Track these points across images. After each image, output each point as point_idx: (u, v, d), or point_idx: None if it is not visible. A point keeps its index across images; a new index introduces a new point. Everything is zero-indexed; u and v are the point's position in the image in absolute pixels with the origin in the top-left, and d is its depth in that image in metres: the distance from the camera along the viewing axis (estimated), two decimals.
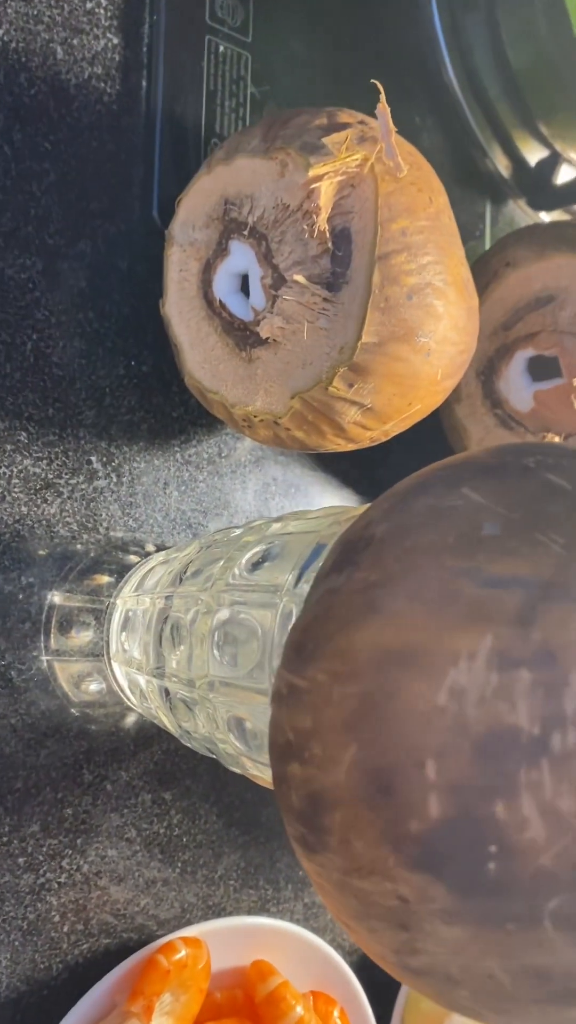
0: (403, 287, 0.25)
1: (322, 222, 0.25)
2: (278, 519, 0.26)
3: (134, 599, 0.29)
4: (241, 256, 0.26)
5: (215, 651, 0.23)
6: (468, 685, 0.14)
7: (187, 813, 0.31)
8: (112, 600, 0.30)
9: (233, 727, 0.23)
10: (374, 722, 0.15)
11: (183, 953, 0.28)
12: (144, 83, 0.32)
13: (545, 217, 0.42)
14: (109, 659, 0.29)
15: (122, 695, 0.30)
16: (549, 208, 0.42)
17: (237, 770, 0.25)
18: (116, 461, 0.30)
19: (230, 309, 0.27)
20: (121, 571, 0.30)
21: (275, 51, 0.34)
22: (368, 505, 0.23)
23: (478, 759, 0.14)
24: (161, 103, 0.31)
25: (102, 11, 0.31)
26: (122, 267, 0.31)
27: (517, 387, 0.34)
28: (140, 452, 0.31)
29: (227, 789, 0.33)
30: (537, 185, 0.41)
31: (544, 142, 0.42)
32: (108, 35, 0.31)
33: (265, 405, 0.27)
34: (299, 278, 0.25)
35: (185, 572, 0.26)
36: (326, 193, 0.25)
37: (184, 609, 0.25)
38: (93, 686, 0.29)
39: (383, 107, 0.24)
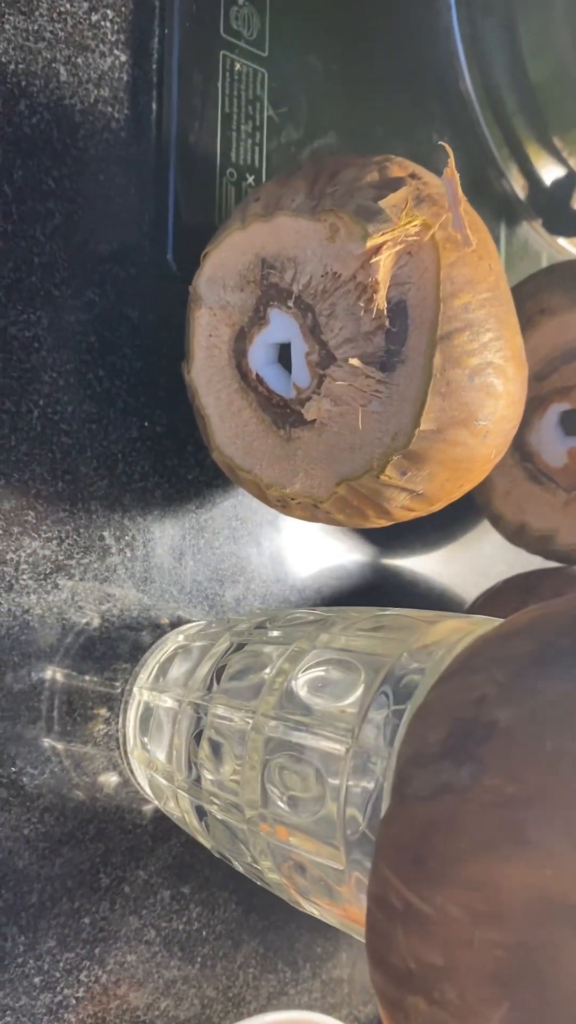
0: (465, 369, 0.23)
1: (381, 300, 0.22)
2: (320, 623, 0.23)
3: (155, 692, 0.26)
4: (282, 327, 0.24)
5: (270, 786, 0.21)
6: None
7: (206, 905, 0.29)
8: (128, 687, 0.27)
9: (292, 870, 0.21)
10: (533, 984, 0.13)
11: None
12: (154, 106, 0.28)
13: (563, 243, 0.40)
14: (126, 753, 0.27)
15: (141, 791, 0.27)
16: (566, 234, 0.40)
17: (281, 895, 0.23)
18: (130, 534, 0.28)
19: (268, 384, 0.24)
20: (135, 652, 0.28)
21: (292, 67, 0.31)
22: (441, 632, 0.21)
23: None
24: (175, 129, 0.28)
25: (109, 24, 0.27)
26: (133, 316, 0.28)
27: (549, 441, 0.32)
28: (154, 521, 0.28)
29: None
30: (553, 207, 0.39)
31: (559, 158, 0.40)
32: (116, 52, 0.27)
33: (305, 488, 0.25)
34: (356, 362, 0.22)
35: (220, 675, 0.24)
36: (385, 266, 0.22)
37: (226, 719, 0.23)
38: (109, 780, 0.27)
39: (451, 173, 0.22)
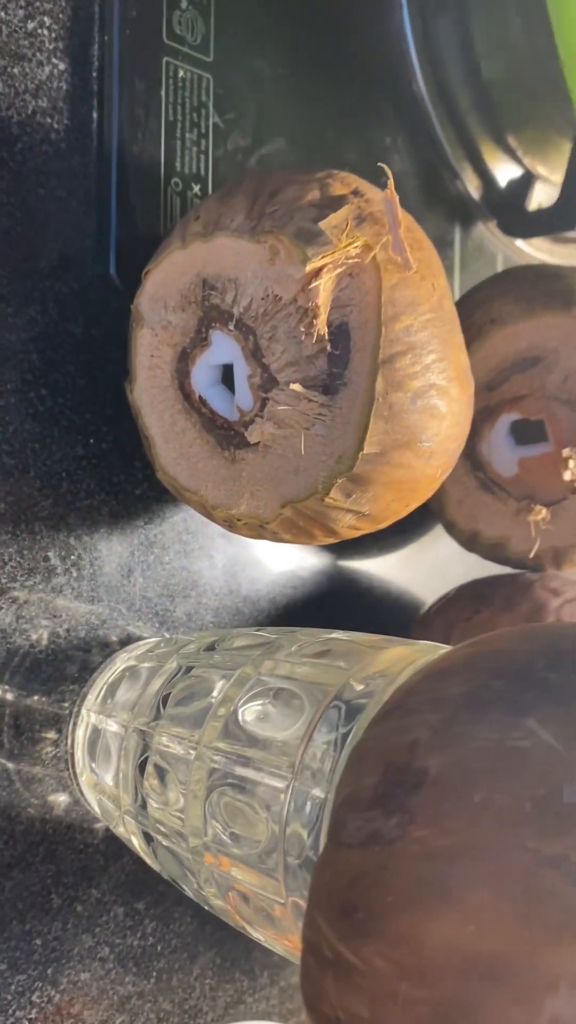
0: (407, 392, 0.23)
1: (322, 325, 0.22)
2: (265, 647, 0.23)
3: (102, 715, 0.26)
4: (225, 349, 0.23)
5: (212, 817, 0.21)
6: (571, 1018, 0.12)
7: (161, 919, 0.29)
8: (76, 708, 0.27)
9: (237, 899, 0.21)
10: None
11: None
12: (95, 115, 0.28)
13: (520, 244, 0.40)
14: (75, 774, 0.27)
15: (92, 811, 0.27)
16: (522, 236, 0.40)
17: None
18: (76, 554, 0.27)
19: (211, 406, 0.24)
20: (83, 673, 0.27)
21: (238, 71, 0.31)
22: (378, 667, 0.21)
23: None
24: (116, 139, 0.28)
25: (46, 32, 0.26)
26: (76, 332, 0.27)
27: (500, 451, 0.32)
28: (102, 539, 0.28)
29: None
30: (508, 208, 0.39)
31: (514, 158, 0.40)
32: (53, 60, 0.27)
33: (251, 509, 0.25)
34: (297, 387, 0.22)
35: (166, 700, 0.24)
36: (325, 290, 0.22)
37: (171, 748, 0.23)
38: (59, 800, 0.27)
39: (391, 195, 0.22)
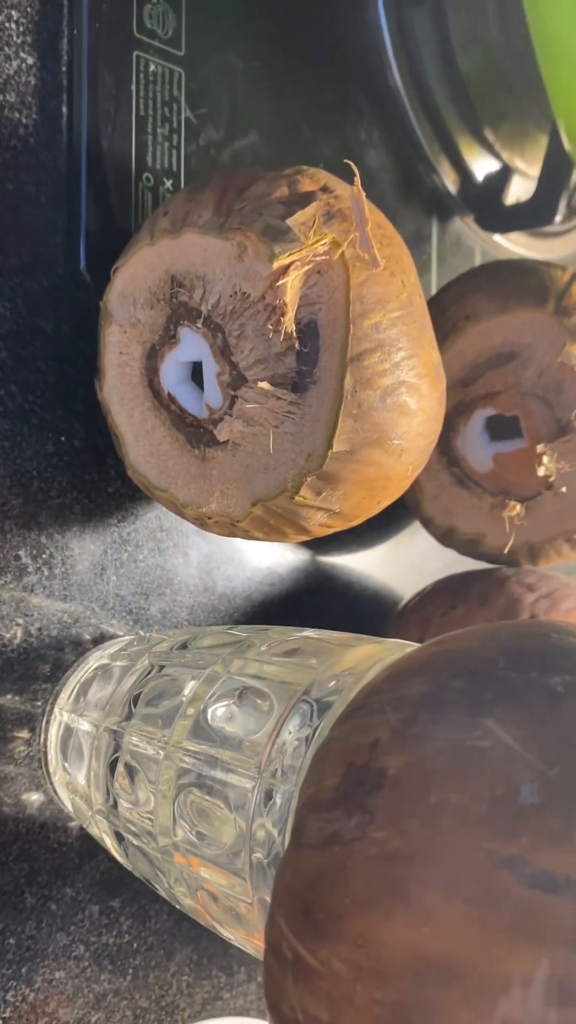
0: (376, 390, 0.23)
1: (289, 323, 0.22)
2: (236, 646, 0.23)
3: (75, 714, 0.26)
4: (193, 347, 0.23)
5: (181, 817, 0.21)
6: (523, 1020, 0.12)
7: (137, 917, 0.29)
8: (49, 706, 0.27)
9: (206, 898, 0.21)
10: None
11: None
12: (65, 110, 0.27)
13: (497, 239, 0.40)
14: (49, 773, 0.27)
15: (66, 810, 0.27)
16: (500, 231, 0.39)
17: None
18: (47, 552, 0.27)
19: (180, 403, 0.24)
20: (56, 671, 0.27)
21: (210, 65, 0.30)
22: (346, 665, 0.21)
23: None
24: (86, 134, 0.27)
25: (14, 25, 0.26)
26: (47, 329, 0.27)
27: (475, 447, 0.32)
28: (74, 538, 0.28)
29: None
30: (485, 202, 0.39)
31: (491, 151, 0.40)
32: (22, 54, 0.26)
33: (221, 508, 0.24)
34: (266, 386, 0.22)
35: (137, 699, 0.24)
36: (293, 288, 0.22)
37: (141, 747, 0.23)
38: (32, 799, 0.27)
39: (358, 192, 0.21)
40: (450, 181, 0.39)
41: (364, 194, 0.21)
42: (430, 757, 0.15)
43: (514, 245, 0.41)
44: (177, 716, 0.22)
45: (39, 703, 0.27)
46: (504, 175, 0.39)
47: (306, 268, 0.22)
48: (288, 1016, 0.15)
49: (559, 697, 0.15)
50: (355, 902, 0.14)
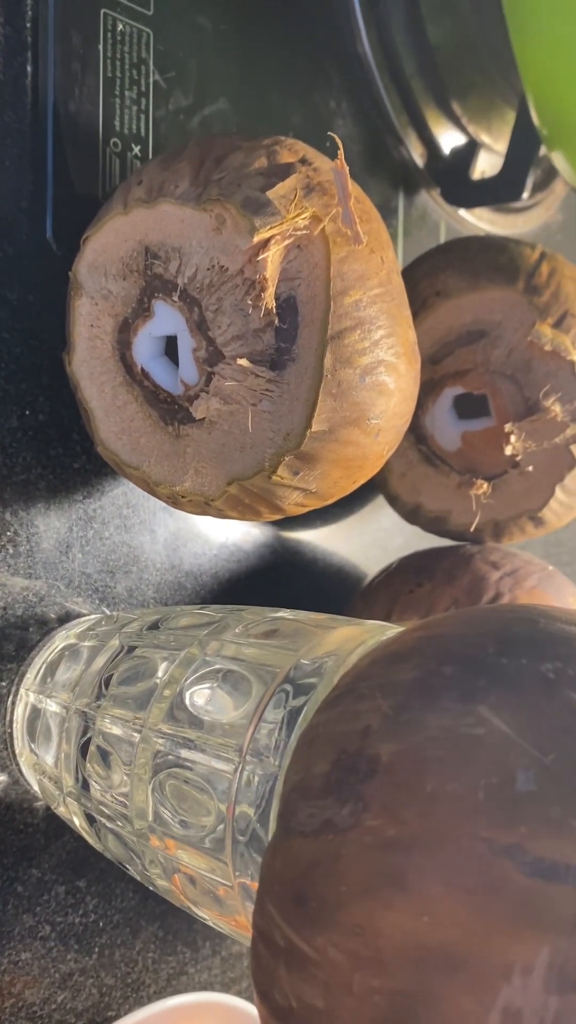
0: (356, 368, 0.22)
1: (269, 298, 0.21)
2: (212, 628, 0.23)
3: (42, 695, 0.25)
4: (168, 321, 0.23)
5: (158, 801, 0.21)
6: (524, 1007, 0.12)
7: (103, 896, 0.29)
8: (14, 687, 0.26)
9: (183, 881, 0.21)
10: None
11: None
12: (29, 69, 0.26)
13: (463, 214, 0.40)
14: (14, 754, 0.26)
15: (32, 791, 0.27)
16: (466, 205, 0.39)
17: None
18: (12, 530, 0.26)
19: (154, 379, 0.23)
20: (20, 651, 0.27)
21: (180, 27, 0.29)
22: (332, 646, 0.21)
23: None
24: (52, 95, 0.26)
25: None
26: (11, 299, 0.26)
27: (443, 425, 0.32)
28: (38, 515, 0.27)
29: None
30: (452, 176, 0.39)
31: (459, 125, 0.39)
32: None
33: (195, 487, 0.24)
34: (244, 363, 0.22)
35: (108, 681, 0.23)
36: (273, 262, 0.21)
37: (114, 730, 0.23)
38: None
39: (341, 166, 0.21)
40: (417, 154, 0.38)
41: (347, 168, 0.21)
42: (424, 744, 0.15)
43: (479, 220, 0.41)
44: (153, 698, 0.22)
45: (3, 683, 0.26)
46: (471, 149, 0.39)
47: (286, 242, 0.22)
48: (280, 1004, 0.15)
49: (551, 684, 0.15)
50: (352, 891, 0.14)
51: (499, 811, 0.13)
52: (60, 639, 0.27)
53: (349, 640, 0.20)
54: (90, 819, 0.23)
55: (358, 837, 0.14)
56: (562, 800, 0.13)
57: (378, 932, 0.13)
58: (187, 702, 0.21)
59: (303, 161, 0.23)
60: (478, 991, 0.12)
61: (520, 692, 0.15)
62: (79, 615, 0.28)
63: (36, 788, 0.26)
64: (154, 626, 0.25)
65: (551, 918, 0.12)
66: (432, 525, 0.34)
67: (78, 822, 0.24)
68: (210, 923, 0.22)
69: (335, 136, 0.21)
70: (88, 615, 0.28)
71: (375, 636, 0.20)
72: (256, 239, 0.21)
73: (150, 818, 0.21)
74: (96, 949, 0.29)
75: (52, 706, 0.25)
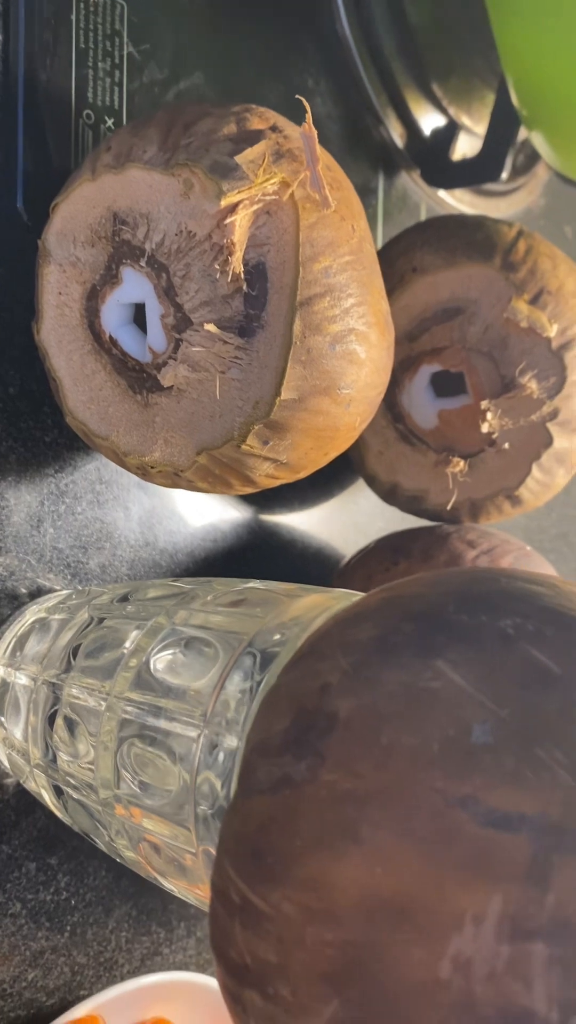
0: (326, 336, 0.22)
1: (237, 263, 0.21)
2: (180, 598, 0.23)
3: (11, 668, 0.25)
4: (136, 287, 0.23)
5: (123, 768, 0.21)
6: (475, 955, 0.12)
7: (75, 874, 0.29)
8: None
9: (148, 850, 0.21)
10: (361, 982, 0.13)
11: None
12: (0, 37, 0.26)
13: (443, 195, 0.40)
14: None
15: (1, 766, 0.26)
16: (446, 186, 0.39)
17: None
18: None
19: (122, 347, 0.23)
20: None
21: (154, 0, 0.29)
22: (297, 611, 0.20)
23: None
24: (23, 64, 0.26)
25: None
26: None
27: (420, 403, 0.32)
28: (9, 488, 0.27)
29: None
30: (432, 157, 0.38)
31: (438, 106, 0.39)
32: None
33: (165, 457, 0.24)
34: (212, 328, 0.21)
35: (76, 652, 0.23)
36: (241, 227, 0.21)
37: (81, 700, 0.22)
38: None
39: (309, 129, 0.21)
40: (397, 134, 0.38)
41: (315, 132, 0.21)
42: (381, 699, 0.15)
43: (459, 202, 0.41)
44: (119, 667, 0.22)
45: None
46: (451, 130, 0.39)
47: (255, 207, 0.21)
48: (236, 961, 0.15)
49: (510, 639, 0.15)
50: (306, 845, 0.14)
51: (454, 763, 0.13)
52: (31, 613, 0.26)
53: (315, 607, 0.20)
54: (58, 791, 0.23)
55: (314, 792, 0.14)
56: (517, 752, 0.13)
57: (331, 885, 0.13)
58: (153, 670, 0.21)
59: (273, 128, 0.23)
60: (429, 940, 0.12)
61: (478, 647, 0.15)
62: (51, 591, 0.28)
63: (6, 763, 0.26)
64: (124, 598, 0.24)
65: (503, 867, 0.12)
66: (410, 504, 0.34)
67: (47, 796, 0.24)
68: (177, 894, 0.22)
69: (303, 99, 0.20)
70: (60, 591, 0.28)
71: (341, 602, 0.20)
72: (223, 203, 0.21)
73: (116, 787, 0.21)
74: (68, 927, 0.29)
75: (21, 679, 0.25)
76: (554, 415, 0.30)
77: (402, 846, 0.13)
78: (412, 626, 0.16)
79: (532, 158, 0.44)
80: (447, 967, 0.12)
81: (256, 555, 0.35)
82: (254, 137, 0.22)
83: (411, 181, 0.39)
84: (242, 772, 0.16)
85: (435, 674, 0.15)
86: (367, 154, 0.38)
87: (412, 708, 0.14)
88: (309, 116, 0.21)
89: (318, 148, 0.21)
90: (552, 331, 0.29)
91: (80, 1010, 0.27)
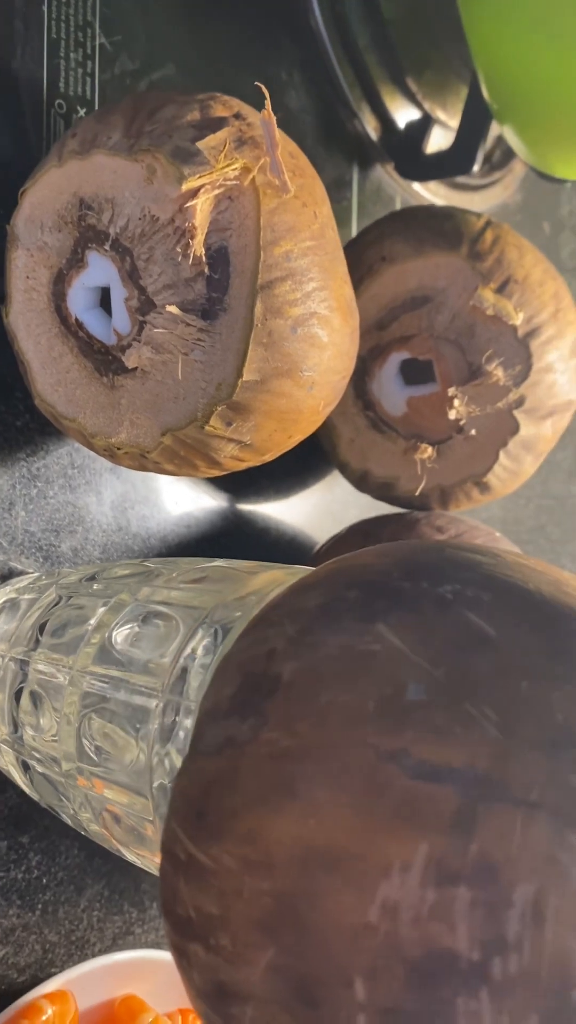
0: (287, 319, 0.23)
1: (198, 246, 0.22)
2: (145, 576, 0.23)
3: None
4: (101, 271, 0.23)
5: (84, 740, 0.21)
6: (401, 901, 0.13)
7: (46, 853, 0.29)
8: None
9: (110, 821, 0.21)
10: (295, 929, 0.13)
11: (49, 1013, 0.26)
12: None
13: (417, 188, 0.40)
14: None
15: None
16: (419, 179, 0.40)
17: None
18: None
19: (88, 329, 0.24)
20: None
21: None
22: (250, 585, 0.21)
23: (412, 984, 0.12)
24: None
25: None
26: None
27: (389, 390, 0.32)
28: None
29: None
30: (406, 150, 0.39)
31: (413, 100, 0.40)
32: None
33: (131, 438, 0.24)
34: (173, 309, 0.22)
35: (43, 629, 0.24)
36: (202, 211, 0.22)
37: (47, 675, 0.23)
38: None
39: (268, 115, 0.21)
40: (371, 128, 0.39)
41: (275, 118, 0.21)
42: (322, 661, 0.15)
43: (434, 196, 0.42)
44: (82, 643, 0.22)
45: None
46: (425, 124, 0.40)
47: (216, 192, 0.22)
48: (182, 916, 0.15)
49: (448, 604, 0.15)
50: (245, 801, 0.14)
51: (387, 719, 0.14)
52: (2, 595, 0.27)
53: (273, 581, 0.21)
54: (25, 767, 0.24)
55: (255, 750, 0.15)
56: (449, 708, 0.14)
57: (268, 837, 0.14)
58: (115, 644, 0.21)
59: (237, 116, 0.23)
60: (358, 887, 0.13)
61: (417, 611, 0.15)
62: (23, 573, 0.28)
63: None
64: (92, 578, 0.25)
65: (430, 817, 0.13)
66: (381, 491, 0.34)
67: (15, 772, 0.25)
68: (141, 865, 0.22)
69: (262, 86, 0.21)
70: (32, 573, 0.29)
71: (297, 576, 0.21)
72: (185, 187, 0.21)
73: (78, 759, 0.21)
74: (39, 906, 0.29)
75: None
76: (520, 402, 0.30)
77: (335, 799, 0.13)
78: (356, 593, 0.16)
79: (509, 153, 0.45)
80: (375, 912, 0.13)
81: (230, 541, 0.36)
82: (217, 124, 0.22)
83: (386, 174, 0.40)
84: (193, 736, 0.17)
85: (374, 637, 0.15)
86: (342, 147, 0.38)
87: (351, 669, 0.15)
88: (268, 102, 0.21)
89: (278, 134, 0.22)
90: (518, 319, 0.30)
91: (50, 985, 0.28)
